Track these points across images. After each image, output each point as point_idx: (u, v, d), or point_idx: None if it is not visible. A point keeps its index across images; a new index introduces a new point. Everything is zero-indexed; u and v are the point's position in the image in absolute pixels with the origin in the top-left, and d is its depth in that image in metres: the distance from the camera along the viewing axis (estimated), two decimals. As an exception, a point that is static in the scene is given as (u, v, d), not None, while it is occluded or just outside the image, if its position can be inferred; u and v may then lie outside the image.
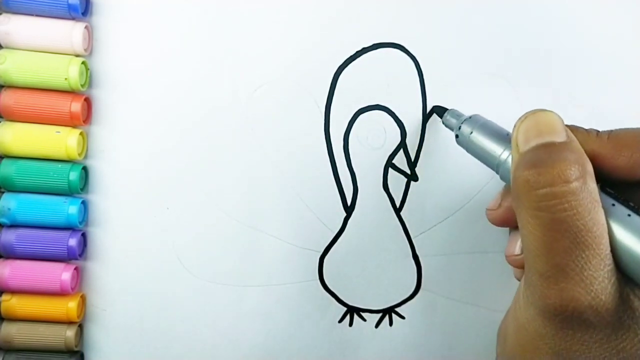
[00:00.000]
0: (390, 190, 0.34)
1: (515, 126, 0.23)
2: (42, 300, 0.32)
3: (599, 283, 0.20)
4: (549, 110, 0.23)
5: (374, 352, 0.35)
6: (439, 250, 0.35)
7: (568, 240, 0.20)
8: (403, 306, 0.35)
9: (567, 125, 0.23)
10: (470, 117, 0.28)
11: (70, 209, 0.31)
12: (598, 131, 0.23)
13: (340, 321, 0.35)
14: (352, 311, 0.35)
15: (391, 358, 0.35)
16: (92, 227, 0.33)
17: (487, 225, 0.34)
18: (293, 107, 0.33)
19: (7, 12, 0.30)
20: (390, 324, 0.35)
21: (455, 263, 0.35)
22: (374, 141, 0.33)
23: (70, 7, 0.30)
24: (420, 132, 0.33)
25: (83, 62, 0.31)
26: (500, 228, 0.34)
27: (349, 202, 0.34)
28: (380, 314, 0.35)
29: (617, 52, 0.33)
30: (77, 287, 0.33)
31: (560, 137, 0.21)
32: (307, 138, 0.33)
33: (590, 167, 0.21)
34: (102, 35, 0.32)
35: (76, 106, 0.31)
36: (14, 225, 0.32)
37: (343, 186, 0.34)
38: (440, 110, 0.32)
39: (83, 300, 0.33)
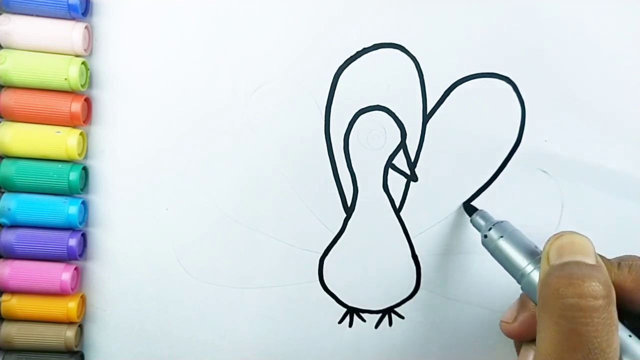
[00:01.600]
0: (390, 191, 0.34)
1: (548, 241, 0.24)
2: (42, 301, 0.32)
3: None
4: (584, 235, 0.24)
5: (373, 352, 0.35)
6: (438, 251, 0.35)
7: (581, 354, 0.21)
8: (402, 306, 0.35)
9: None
10: (500, 223, 0.29)
11: (70, 209, 0.31)
12: (619, 262, 0.24)
13: (340, 322, 0.35)
14: (352, 312, 0.35)
15: (391, 358, 0.35)
16: (92, 227, 0.33)
17: (487, 225, 0.34)
18: (293, 108, 0.33)
19: (7, 12, 0.30)
20: (390, 324, 0.35)
21: (455, 263, 0.35)
22: (374, 142, 0.33)
23: (70, 7, 0.30)
24: (420, 132, 0.33)
25: (83, 63, 0.31)
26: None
27: (349, 202, 0.34)
28: (379, 315, 0.35)
29: (619, 52, 0.33)
30: (77, 288, 0.33)
31: (591, 260, 0.23)
32: (307, 138, 0.33)
33: (614, 293, 0.22)
34: (102, 36, 0.32)
35: (76, 106, 0.31)
36: (14, 226, 0.32)
37: (343, 187, 0.34)
38: (470, 209, 0.33)
39: (83, 301, 0.33)
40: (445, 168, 0.34)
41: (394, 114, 0.33)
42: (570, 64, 0.33)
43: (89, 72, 0.32)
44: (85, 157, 0.32)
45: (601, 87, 0.34)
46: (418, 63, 0.33)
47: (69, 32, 0.30)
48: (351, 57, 0.33)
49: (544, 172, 0.34)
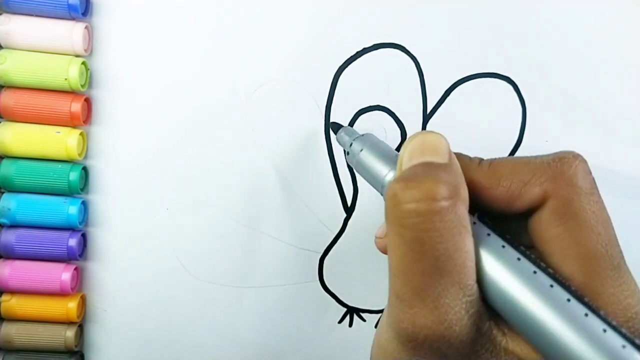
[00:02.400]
0: (391, 191, 0.34)
1: (403, 146, 0.22)
2: (42, 301, 0.32)
3: (454, 313, 0.18)
4: (437, 133, 0.21)
5: (374, 352, 0.35)
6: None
7: (427, 263, 0.18)
8: (403, 306, 0.35)
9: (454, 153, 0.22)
10: (362, 136, 0.27)
11: (70, 209, 0.31)
12: (481, 160, 0.22)
13: (340, 322, 0.35)
14: (352, 312, 0.35)
15: (391, 358, 0.35)
16: (92, 227, 0.33)
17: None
18: (293, 108, 0.33)
19: (7, 12, 0.30)
20: (390, 324, 0.35)
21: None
22: (374, 142, 0.33)
23: (71, 8, 0.30)
24: (420, 132, 0.33)
25: (83, 63, 0.31)
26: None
27: (349, 202, 0.34)
28: (380, 315, 0.35)
29: (619, 52, 0.33)
30: (77, 288, 0.33)
31: (441, 158, 0.20)
32: (307, 138, 0.33)
33: (464, 193, 0.20)
34: (102, 36, 0.32)
35: (76, 106, 0.31)
36: (14, 226, 0.32)
37: (343, 187, 0.34)
38: (335, 127, 0.31)
39: (83, 301, 0.33)
40: (445, 168, 0.34)
41: (394, 114, 0.33)
42: (570, 64, 0.33)
43: (89, 72, 0.32)
44: (85, 157, 0.32)
45: (601, 87, 0.34)
46: (418, 63, 0.33)
47: (69, 32, 0.30)
48: (351, 57, 0.33)
49: (545, 172, 0.34)
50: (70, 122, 0.31)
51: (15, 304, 0.32)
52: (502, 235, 0.20)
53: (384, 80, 0.33)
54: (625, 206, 0.35)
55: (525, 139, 0.34)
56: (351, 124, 0.33)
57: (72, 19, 0.31)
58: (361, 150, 0.25)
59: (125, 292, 0.34)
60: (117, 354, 0.34)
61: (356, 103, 0.33)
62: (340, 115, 0.33)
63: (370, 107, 0.33)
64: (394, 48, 0.33)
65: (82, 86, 0.31)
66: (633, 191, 0.34)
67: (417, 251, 0.19)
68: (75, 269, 0.33)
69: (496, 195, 0.20)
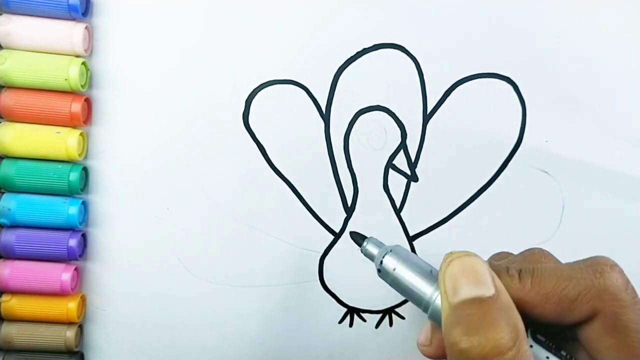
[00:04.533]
0: (391, 191, 0.34)
1: (441, 269, 0.23)
2: (42, 301, 0.32)
3: None
4: (473, 255, 0.22)
5: (374, 352, 0.35)
6: (438, 251, 0.34)
7: None
8: (403, 306, 0.35)
9: (490, 264, 0.22)
10: (391, 250, 0.26)
11: (70, 209, 0.31)
12: (519, 272, 0.22)
13: (340, 322, 0.35)
14: (353, 312, 0.35)
15: (391, 358, 0.35)
16: (92, 227, 0.33)
17: (488, 225, 0.34)
18: (293, 108, 0.33)
19: (7, 12, 0.30)
20: (391, 324, 0.35)
21: (456, 264, 0.35)
22: (374, 142, 0.33)
23: (71, 8, 0.30)
24: (420, 132, 0.33)
25: (83, 63, 0.31)
26: (500, 228, 0.34)
27: (349, 202, 0.34)
28: (380, 315, 0.35)
29: (620, 52, 0.33)
30: (77, 288, 0.33)
31: (488, 289, 0.21)
32: (307, 139, 0.33)
33: (521, 326, 0.20)
34: (102, 36, 0.32)
35: (76, 107, 0.31)
36: (14, 226, 0.32)
37: (343, 187, 0.34)
38: (357, 238, 0.29)
39: (83, 301, 0.33)
40: (445, 168, 0.34)
41: (394, 114, 0.33)
42: (571, 64, 0.33)
43: (89, 72, 0.32)
44: (86, 157, 0.32)
45: (602, 87, 0.34)
46: (418, 63, 0.33)
47: (69, 33, 0.30)
48: (351, 57, 0.33)
49: (545, 172, 0.34)
50: (70, 122, 0.31)
51: (15, 304, 0.32)
52: (558, 354, 0.21)
53: (384, 81, 0.33)
54: (625, 206, 0.35)
55: (525, 139, 0.34)
56: (351, 123, 0.33)
57: (72, 19, 0.31)
58: (394, 268, 0.25)
59: (125, 292, 0.34)
60: (117, 354, 0.34)
61: (356, 103, 0.33)
62: (341, 115, 0.33)
63: (370, 107, 0.33)
64: (394, 48, 0.33)
65: (82, 86, 0.31)
66: (633, 191, 0.34)
67: None
68: (76, 269, 0.33)
69: (546, 312, 0.21)
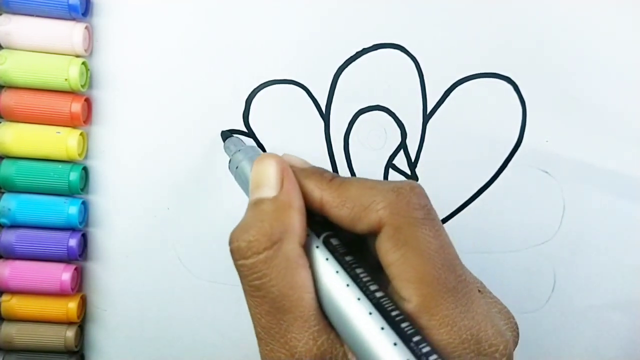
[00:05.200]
0: (391, 191, 0.34)
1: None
2: (42, 301, 0.32)
3: (302, 345, 0.20)
4: (271, 156, 0.23)
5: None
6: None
7: (267, 305, 0.20)
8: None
9: (308, 168, 0.23)
10: (243, 149, 0.28)
11: (70, 209, 0.31)
12: (334, 177, 0.22)
13: (340, 322, 0.35)
14: (352, 312, 0.35)
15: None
16: (93, 227, 0.33)
17: (487, 226, 0.34)
18: (293, 108, 0.33)
19: (7, 12, 0.30)
20: (391, 324, 0.35)
21: (456, 264, 0.35)
22: (374, 142, 0.33)
23: (71, 8, 0.30)
24: (420, 132, 0.33)
25: (83, 63, 0.31)
26: (500, 228, 0.34)
27: (349, 202, 0.34)
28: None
29: (619, 52, 0.33)
30: (77, 288, 0.33)
31: (270, 190, 0.22)
32: (307, 139, 0.33)
33: (297, 226, 0.21)
34: (102, 36, 0.32)
35: (76, 107, 0.31)
36: (14, 226, 0.32)
37: (343, 187, 0.33)
38: (225, 135, 0.31)
39: (83, 301, 0.33)
40: (445, 168, 0.34)
41: (394, 114, 0.33)
42: (571, 64, 0.33)
43: (89, 72, 0.32)
44: (86, 157, 0.32)
45: (602, 87, 0.34)
46: (418, 63, 0.33)
47: (69, 33, 0.30)
48: (351, 57, 0.33)
49: (545, 172, 0.34)
50: (70, 122, 0.31)
51: (15, 304, 0.32)
52: (340, 258, 0.21)
53: (384, 80, 0.33)
54: (625, 206, 0.34)
55: (526, 139, 0.34)
56: (351, 123, 0.33)
57: (72, 19, 0.31)
58: (237, 166, 0.27)
59: (125, 292, 0.34)
60: (117, 354, 0.34)
61: (356, 103, 0.33)
62: (340, 115, 0.33)
63: (370, 107, 0.33)
64: (394, 48, 0.33)
65: (83, 86, 0.31)
66: (633, 191, 0.34)
67: (255, 296, 0.20)
68: (76, 269, 0.33)
69: (341, 215, 0.21)
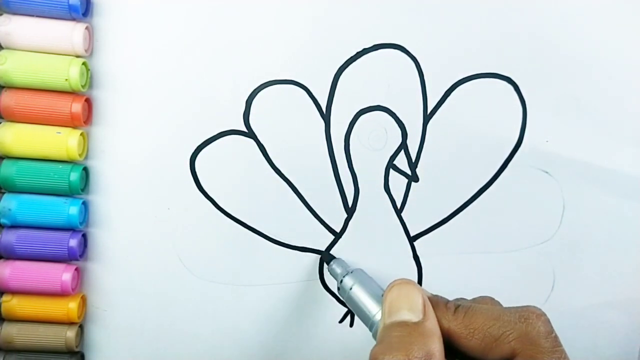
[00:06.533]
0: (391, 191, 0.34)
1: (384, 293, 0.25)
2: (42, 301, 0.32)
3: None
4: (413, 283, 0.24)
5: (374, 352, 0.35)
6: (439, 251, 0.35)
7: None
8: (403, 306, 0.35)
9: (430, 298, 0.24)
10: (352, 272, 0.30)
11: (70, 209, 0.31)
12: (457, 307, 0.24)
13: (340, 321, 0.35)
14: (353, 312, 0.35)
15: (391, 358, 0.35)
16: (93, 227, 0.33)
17: (488, 226, 0.34)
18: (293, 108, 0.33)
19: (7, 12, 0.30)
20: (391, 324, 0.35)
21: (456, 264, 0.35)
22: (375, 142, 0.33)
23: (71, 8, 0.30)
24: (421, 133, 0.33)
25: (84, 63, 0.31)
26: (500, 228, 0.34)
27: (350, 203, 0.34)
28: (380, 315, 0.35)
29: (620, 52, 0.33)
30: (78, 288, 0.33)
31: (416, 316, 0.23)
32: (307, 139, 0.33)
33: (438, 353, 0.22)
34: (102, 36, 0.32)
35: (77, 107, 0.31)
36: (14, 226, 0.32)
37: (344, 187, 0.34)
38: (327, 257, 0.33)
39: (83, 301, 0.33)
40: (446, 168, 0.34)
41: (394, 114, 0.33)
42: (571, 64, 0.33)
43: (89, 72, 0.32)
44: (86, 157, 0.32)
45: (602, 87, 0.34)
46: (418, 63, 0.33)
47: (70, 33, 0.30)
48: (351, 57, 0.33)
49: (545, 172, 0.34)
50: (70, 122, 0.31)
51: (15, 305, 0.32)
52: None
53: (384, 81, 0.33)
54: (625, 206, 0.35)
55: (526, 139, 0.34)
56: (351, 124, 0.33)
57: (73, 19, 0.31)
58: (351, 287, 0.28)
59: (125, 292, 0.34)
60: (117, 354, 0.34)
61: (356, 103, 0.33)
62: (341, 115, 0.33)
63: (370, 107, 0.33)
64: (394, 48, 0.33)
65: (83, 86, 0.31)
66: (633, 191, 0.34)
67: None
68: (76, 269, 0.33)
69: (471, 346, 0.23)
